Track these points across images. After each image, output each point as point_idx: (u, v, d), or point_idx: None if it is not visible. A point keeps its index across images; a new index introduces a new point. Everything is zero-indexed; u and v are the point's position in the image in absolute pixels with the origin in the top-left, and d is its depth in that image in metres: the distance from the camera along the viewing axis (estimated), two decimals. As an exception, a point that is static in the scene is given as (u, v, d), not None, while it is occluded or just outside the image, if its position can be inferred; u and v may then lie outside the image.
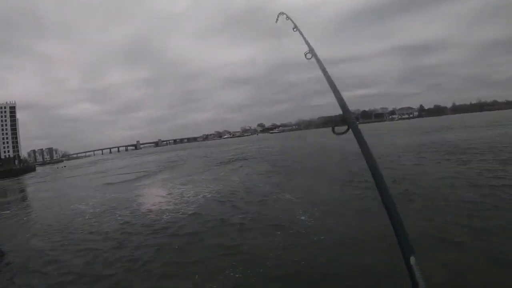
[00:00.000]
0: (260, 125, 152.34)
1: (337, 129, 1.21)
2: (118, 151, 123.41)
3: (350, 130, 1.18)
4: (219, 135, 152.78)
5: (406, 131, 40.11)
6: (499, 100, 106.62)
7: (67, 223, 9.99)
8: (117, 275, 5.56)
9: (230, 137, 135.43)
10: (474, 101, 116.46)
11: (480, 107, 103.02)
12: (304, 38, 2.45)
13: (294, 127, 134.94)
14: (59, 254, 7.06)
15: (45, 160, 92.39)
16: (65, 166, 61.25)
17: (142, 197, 13.64)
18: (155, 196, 13.48)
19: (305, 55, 2.08)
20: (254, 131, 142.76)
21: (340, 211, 7.84)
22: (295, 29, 2.90)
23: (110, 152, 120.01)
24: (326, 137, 38.72)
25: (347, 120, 1.20)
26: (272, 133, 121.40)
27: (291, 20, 2.95)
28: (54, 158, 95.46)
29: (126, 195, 14.47)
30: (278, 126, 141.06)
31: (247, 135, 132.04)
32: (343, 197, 9.27)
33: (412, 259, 0.85)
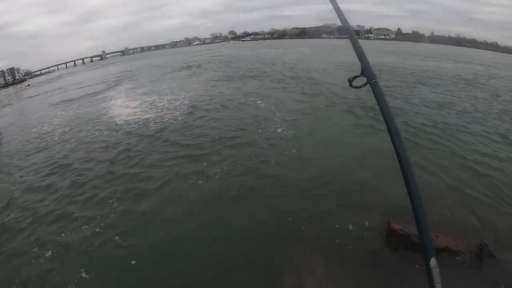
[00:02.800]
0: (231, 32, 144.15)
1: (355, 82, 1.17)
2: (83, 63, 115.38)
3: (369, 85, 1.12)
4: (188, 42, 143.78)
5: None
6: (478, 39, 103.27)
7: (32, 148, 9.96)
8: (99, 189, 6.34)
9: (200, 44, 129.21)
10: (453, 35, 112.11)
11: (458, 42, 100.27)
12: None
13: (266, 36, 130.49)
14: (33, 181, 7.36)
15: (7, 81, 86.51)
16: (28, 85, 58.77)
17: (111, 110, 13.91)
18: (125, 108, 13.80)
19: None
20: (225, 39, 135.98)
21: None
22: None
23: (75, 65, 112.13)
24: (294, 48, 39.88)
25: (367, 76, 1.16)
26: (244, 41, 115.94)
27: None
28: (17, 78, 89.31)
29: (94, 109, 14.75)
30: (250, 35, 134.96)
31: (217, 42, 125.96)
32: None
33: (432, 262, 0.85)
